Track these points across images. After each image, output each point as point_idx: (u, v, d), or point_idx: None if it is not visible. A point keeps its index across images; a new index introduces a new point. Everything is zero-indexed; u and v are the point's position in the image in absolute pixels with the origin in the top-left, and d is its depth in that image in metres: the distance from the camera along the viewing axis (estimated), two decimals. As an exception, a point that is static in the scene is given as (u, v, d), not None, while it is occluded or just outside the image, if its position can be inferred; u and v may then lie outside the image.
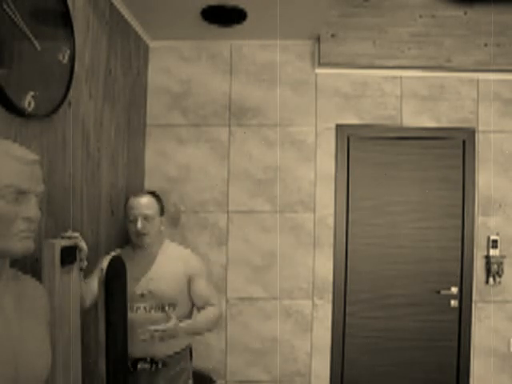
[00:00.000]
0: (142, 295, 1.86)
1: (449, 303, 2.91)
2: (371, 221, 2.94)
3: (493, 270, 2.87)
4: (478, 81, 2.95)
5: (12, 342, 0.83)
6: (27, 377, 0.86)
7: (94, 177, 2.18)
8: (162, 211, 1.98)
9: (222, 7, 2.43)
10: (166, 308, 1.86)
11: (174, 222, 2.69)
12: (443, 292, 2.90)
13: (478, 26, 2.79)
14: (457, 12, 2.80)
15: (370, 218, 2.94)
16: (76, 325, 1.67)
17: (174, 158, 3.00)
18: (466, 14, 2.80)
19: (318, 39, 2.88)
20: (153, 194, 1.98)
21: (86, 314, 2.10)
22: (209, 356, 2.95)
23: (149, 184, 3.00)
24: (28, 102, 1.50)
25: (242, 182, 2.98)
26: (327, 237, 2.95)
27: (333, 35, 2.83)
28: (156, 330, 1.62)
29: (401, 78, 2.97)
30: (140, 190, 1.98)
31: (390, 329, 2.93)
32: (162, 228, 1.99)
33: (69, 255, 1.62)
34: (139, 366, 1.85)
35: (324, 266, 2.95)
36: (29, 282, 0.97)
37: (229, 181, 2.98)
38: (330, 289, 2.94)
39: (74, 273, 1.68)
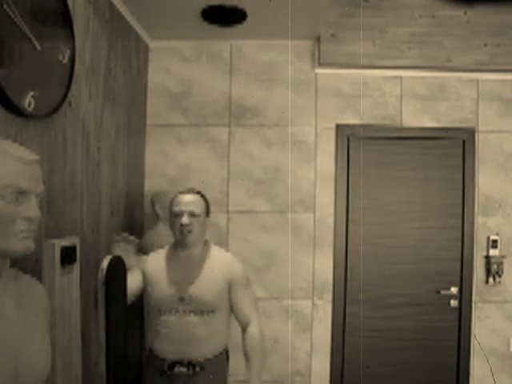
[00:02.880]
0: (182, 298, 1.81)
1: (449, 303, 2.91)
2: (371, 221, 2.94)
3: (493, 269, 2.87)
4: (477, 81, 2.96)
5: (12, 341, 0.83)
6: (27, 377, 0.86)
7: (94, 177, 2.18)
8: (207, 212, 1.93)
9: (222, 7, 2.43)
10: (205, 314, 1.81)
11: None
12: (443, 292, 2.90)
13: (478, 26, 2.79)
14: (457, 12, 2.80)
15: (370, 217, 2.94)
16: (76, 325, 1.67)
17: (174, 158, 3.00)
18: (465, 14, 2.80)
19: (318, 39, 2.88)
20: (201, 193, 1.94)
21: (86, 314, 2.10)
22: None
23: (149, 184, 3.00)
24: (28, 102, 1.50)
25: (242, 181, 2.98)
26: (327, 237, 2.95)
27: (333, 35, 2.83)
28: None
29: (401, 78, 2.97)
30: (186, 188, 1.95)
31: (390, 329, 2.93)
32: (205, 230, 1.94)
33: (69, 255, 1.62)
34: (176, 368, 1.81)
35: (324, 266, 2.95)
36: (29, 281, 0.97)
37: (229, 181, 2.98)
38: (330, 289, 2.94)
39: (74, 273, 1.69)
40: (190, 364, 1.81)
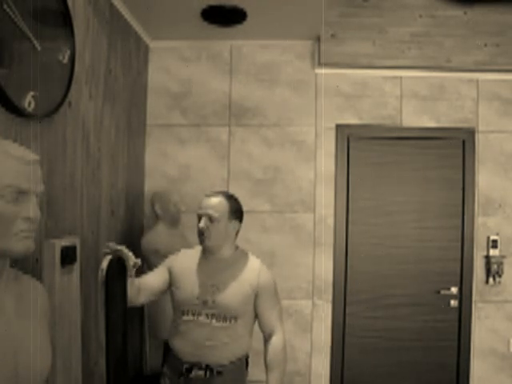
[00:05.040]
0: (205, 302, 1.77)
1: (449, 303, 2.91)
2: (371, 221, 2.94)
3: (493, 269, 2.87)
4: (477, 81, 2.96)
5: (12, 341, 0.83)
6: (27, 377, 0.86)
7: (94, 177, 2.18)
8: (234, 215, 1.83)
9: (221, 7, 2.43)
10: (228, 320, 1.78)
11: (174, 222, 2.69)
12: (443, 292, 2.90)
13: (478, 26, 2.79)
14: (457, 12, 2.80)
15: (370, 217, 2.94)
16: (76, 325, 1.67)
17: (174, 158, 3.00)
18: (465, 13, 2.80)
19: (318, 39, 2.88)
20: (227, 195, 1.85)
21: (86, 314, 2.10)
22: (209, 356, 2.95)
23: (149, 184, 3.00)
24: (28, 102, 1.50)
25: (241, 181, 2.98)
26: (327, 237, 2.95)
27: (333, 35, 2.83)
28: None
29: (401, 78, 2.97)
30: (215, 191, 1.90)
31: (389, 329, 2.93)
32: (233, 233, 1.84)
33: (69, 255, 1.62)
34: (193, 372, 1.77)
35: (324, 266, 2.95)
36: (29, 281, 0.97)
37: (229, 181, 2.98)
38: (330, 289, 2.94)
39: (74, 273, 1.69)
40: (207, 368, 1.77)
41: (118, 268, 1.80)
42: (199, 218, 1.81)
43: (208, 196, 1.83)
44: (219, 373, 1.78)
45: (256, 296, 1.82)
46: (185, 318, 1.80)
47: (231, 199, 1.84)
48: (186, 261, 1.87)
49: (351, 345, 2.94)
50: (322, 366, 2.94)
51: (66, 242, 1.60)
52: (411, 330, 2.92)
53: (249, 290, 1.79)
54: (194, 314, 1.79)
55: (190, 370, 1.78)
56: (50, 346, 0.95)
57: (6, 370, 0.80)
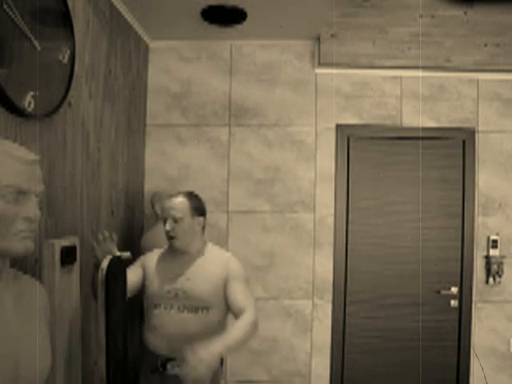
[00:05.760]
0: (176, 295, 1.83)
1: (449, 303, 2.91)
2: (371, 221, 2.94)
3: (493, 270, 2.87)
4: (477, 81, 2.95)
5: (12, 341, 0.83)
6: (27, 377, 0.86)
7: (94, 177, 2.18)
8: (196, 212, 1.89)
9: (221, 7, 2.43)
10: (199, 311, 1.81)
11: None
12: (443, 292, 2.90)
13: (478, 26, 2.79)
14: (457, 12, 2.80)
15: (370, 218, 2.94)
16: (76, 325, 1.67)
17: (174, 158, 3.00)
18: (465, 14, 2.80)
19: (318, 39, 2.88)
20: (188, 194, 1.91)
21: (86, 314, 2.10)
22: (209, 356, 2.95)
23: (149, 184, 3.00)
24: (28, 102, 1.50)
25: (241, 181, 2.98)
26: (327, 237, 2.95)
27: (333, 35, 2.83)
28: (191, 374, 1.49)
29: (401, 78, 2.97)
30: (177, 192, 1.96)
31: (390, 329, 2.93)
32: (198, 229, 1.90)
33: (69, 255, 1.62)
34: (169, 366, 1.81)
35: (324, 266, 2.95)
36: (29, 282, 0.97)
37: (229, 181, 2.98)
38: (330, 289, 2.94)
39: (74, 273, 1.69)
40: (182, 361, 1.81)
41: (118, 268, 1.80)
42: (164, 220, 1.88)
43: (170, 198, 1.90)
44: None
45: (226, 284, 1.86)
46: (156, 311, 1.84)
47: (191, 197, 1.90)
48: (157, 257, 1.94)
49: (351, 345, 2.94)
50: (322, 366, 2.94)
51: (65, 242, 1.60)
52: (411, 330, 2.92)
53: (218, 280, 1.84)
54: (165, 308, 1.83)
55: (164, 365, 1.82)
56: (49, 346, 0.95)
57: (6, 370, 0.80)
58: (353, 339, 2.94)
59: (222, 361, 1.94)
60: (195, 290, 1.81)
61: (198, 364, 1.45)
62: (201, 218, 1.91)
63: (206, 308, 1.82)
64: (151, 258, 1.95)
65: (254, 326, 1.75)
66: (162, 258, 1.94)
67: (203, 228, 1.95)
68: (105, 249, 1.73)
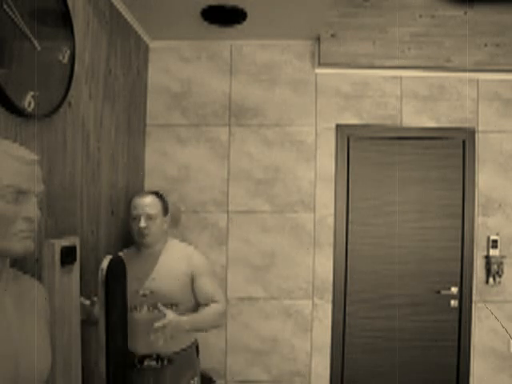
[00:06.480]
0: (145, 295, 1.89)
1: (449, 303, 2.91)
2: (371, 221, 2.94)
3: (493, 269, 2.87)
4: (477, 81, 2.95)
5: (12, 342, 0.83)
6: (27, 376, 0.86)
7: (94, 177, 2.18)
8: (165, 211, 2.01)
9: (222, 7, 2.43)
10: (168, 307, 1.88)
11: (174, 221, 2.69)
12: (443, 292, 2.90)
13: (478, 26, 2.79)
14: (457, 12, 2.80)
15: (370, 218, 2.94)
16: (76, 325, 1.67)
17: (174, 158, 3.00)
18: (465, 14, 2.80)
19: (318, 39, 2.88)
20: (156, 193, 2.01)
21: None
22: (209, 356, 2.95)
23: (149, 184, 3.00)
24: (28, 102, 1.50)
25: (241, 181, 2.98)
26: (327, 237, 2.95)
27: (333, 35, 2.83)
28: (158, 327, 1.63)
29: (401, 78, 2.97)
30: (143, 190, 2.03)
31: (390, 329, 2.93)
32: (165, 227, 2.01)
33: (69, 255, 1.62)
34: (145, 362, 1.88)
35: (324, 266, 2.95)
36: (29, 281, 0.97)
37: (229, 181, 2.98)
38: (330, 289, 2.94)
39: (74, 273, 1.69)
40: (158, 358, 1.88)
41: (118, 268, 1.80)
42: (137, 218, 1.94)
43: (140, 196, 1.97)
44: (170, 361, 1.89)
45: (192, 279, 1.93)
46: (130, 314, 1.90)
47: (161, 197, 2.01)
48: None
49: (351, 345, 2.94)
50: (321, 365, 2.94)
51: (65, 242, 1.60)
52: (411, 330, 2.92)
53: (183, 276, 1.91)
54: (136, 309, 1.89)
55: (141, 361, 1.89)
56: (49, 346, 0.95)
57: (6, 370, 0.80)
58: (353, 339, 2.94)
59: (197, 350, 2.02)
60: (162, 289, 1.87)
61: (166, 323, 1.63)
62: (167, 217, 2.02)
63: (176, 305, 1.89)
64: None
65: (222, 317, 1.89)
66: (129, 260, 1.99)
67: (167, 226, 2.05)
68: (87, 310, 1.82)
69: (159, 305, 1.80)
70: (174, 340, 1.89)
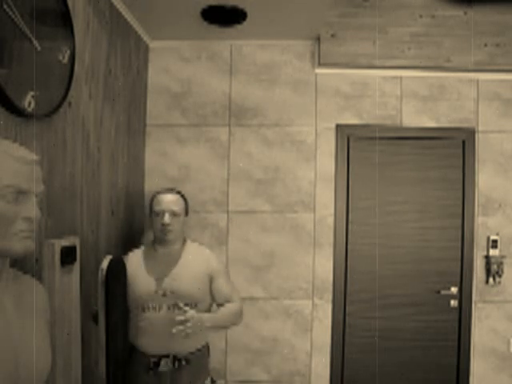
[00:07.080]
0: (165, 295, 1.86)
1: (449, 303, 2.91)
2: (371, 221, 2.94)
3: (493, 270, 2.87)
4: (477, 81, 2.95)
5: (12, 341, 0.83)
6: (27, 376, 0.86)
7: (94, 177, 2.18)
8: (186, 211, 2.03)
9: (221, 7, 2.43)
10: (187, 307, 1.86)
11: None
12: (443, 292, 2.90)
13: (478, 26, 2.79)
14: (457, 12, 2.80)
15: (370, 218, 2.94)
16: (76, 325, 1.67)
17: (174, 158, 3.00)
18: (465, 14, 2.80)
19: (318, 39, 2.88)
20: (179, 192, 2.03)
21: (86, 314, 2.10)
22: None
23: (149, 184, 3.00)
24: (28, 102, 1.50)
25: (241, 181, 2.98)
26: (327, 237, 2.95)
27: (333, 35, 2.83)
28: (182, 321, 1.66)
29: (401, 78, 2.97)
30: (166, 188, 2.04)
31: (389, 329, 2.93)
32: (184, 227, 2.04)
33: (69, 255, 1.62)
34: (162, 363, 1.85)
35: (324, 266, 2.95)
36: (29, 281, 0.97)
37: (229, 181, 2.98)
38: (330, 289, 2.94)
39: (74, 273, 1.69)
40: (175, 359, 1.85)
41: (118, 268, 1.80)
42: (161, 214, 1.93)
43: (163, 193, 1.98)
44: (187, 361, 1.87)
45: (210, 280, 1.96)
46: (146, 314, 1.87)
47: (183, 196, 2.04)
48: (137, 260, 1.96)
49: (351, 345, 2.94)
50: (321, 365, 2.94)
51: (65, 242, 1.60)
52: (411, 330, 2.92)
53: (203, 276, 1.92)
54: (155, 309, 1.86)
55: (157, 363, 1.85)
56: (49, 346, 0.95)
57: (6, 369, 0.80)
58: (353, 339, 2.94)
59: (208, 350, 2.01)
60: (182, 290, 1.87)
61: (189, 316, 1.69)
62: (186, 219, 2.06)
63: (195, 304, 1.89)
64: (132, 262, 1.96)
65: (240, 316, 1.94)
66: (142, 259, 1.97)
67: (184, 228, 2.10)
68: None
69: (181, 304, 1.80)
70: (193, 338, 1.88)
